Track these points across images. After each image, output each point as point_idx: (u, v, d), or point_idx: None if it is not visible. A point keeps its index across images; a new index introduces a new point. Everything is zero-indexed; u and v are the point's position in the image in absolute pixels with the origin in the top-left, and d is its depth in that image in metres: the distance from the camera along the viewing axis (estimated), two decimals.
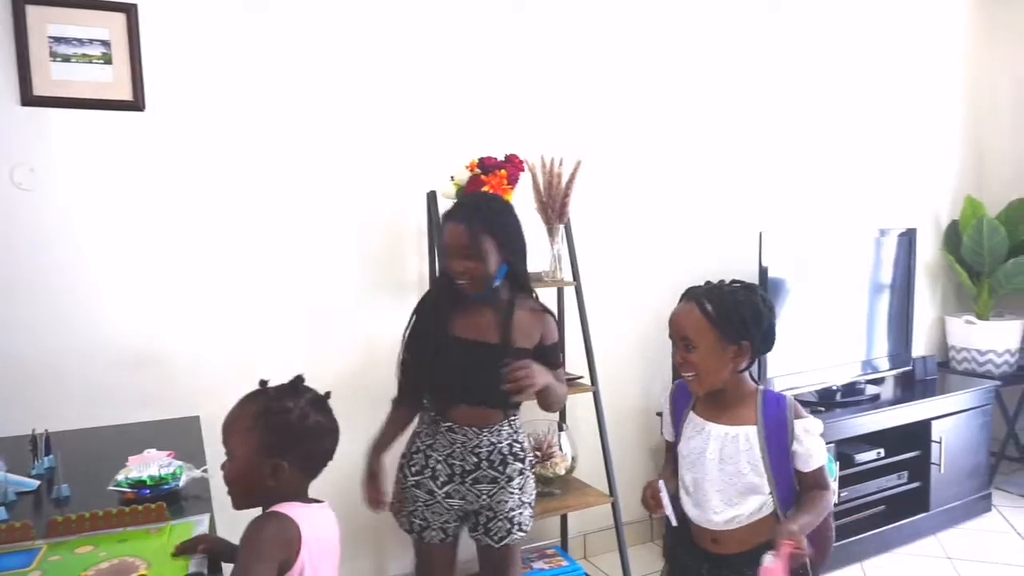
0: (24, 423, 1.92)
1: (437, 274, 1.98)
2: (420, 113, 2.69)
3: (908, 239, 3.37)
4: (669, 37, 3.13)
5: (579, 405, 2.91)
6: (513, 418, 1.93)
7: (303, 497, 1.24)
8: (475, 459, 1.87)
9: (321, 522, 1.22)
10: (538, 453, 2.58)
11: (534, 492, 2.04)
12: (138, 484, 1.59)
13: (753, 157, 3.37)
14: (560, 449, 2.61)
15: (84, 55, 2.20)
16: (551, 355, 1.92)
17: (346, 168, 2.59)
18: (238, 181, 2.43)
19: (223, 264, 2.43)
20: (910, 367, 3.43)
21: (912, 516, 3.16)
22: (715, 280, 1.60)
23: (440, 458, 1.87)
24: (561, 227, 2.68)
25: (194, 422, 2.19)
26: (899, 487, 3.16)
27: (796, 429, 1.51)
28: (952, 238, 3.94)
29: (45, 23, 2.15)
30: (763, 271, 2.91)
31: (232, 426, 1.24)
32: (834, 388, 3.17)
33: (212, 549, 1.30)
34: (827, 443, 2.80)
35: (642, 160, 3.11)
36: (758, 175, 3.39)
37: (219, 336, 2.42)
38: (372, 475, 1.94)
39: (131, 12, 2.24)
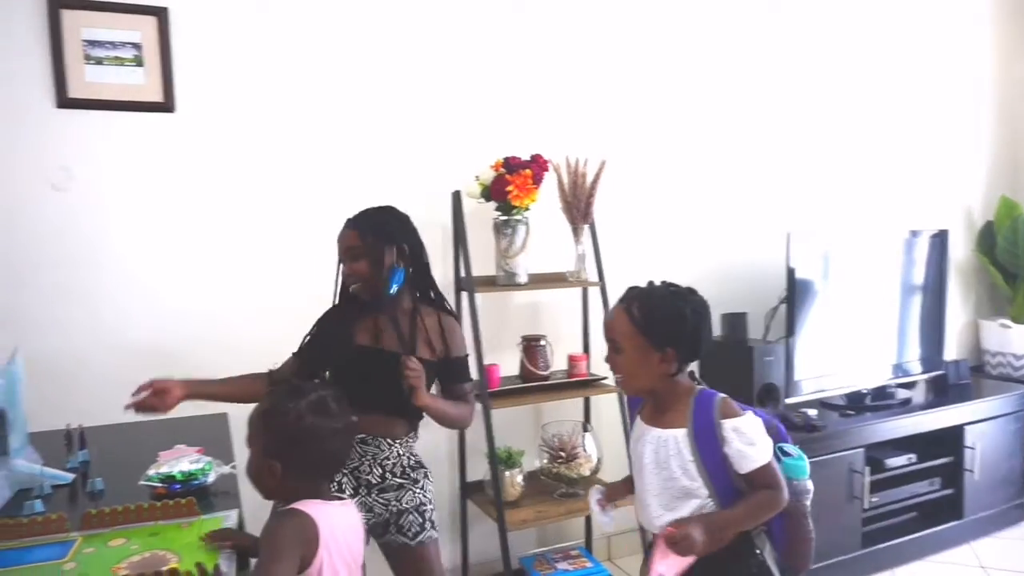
0: (59, 418, 1.96)
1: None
2: (445, 113, 2.70)
3: (940, 240, 3.31)
4: (695, 36, 3.11)
5: (604, 406, 2.90)
6: (413, 432, 1.92)
7: (323, 495, 1.24)
8: (380, 471, 1.85)
9: (341, 520, 1.23)
10: (562, 453, 2.57)
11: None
12: (169, 479, 1.62)
13: (780, 156, 3.33)
14: (584, 450, 2.59)
15: (116, 58, 2.24)
16: (457, 367, 1.92)
17: (371, 168, 2.60)
18: (266, 182, 2.46)
19: (250, 264, 2.45)
20: (943, 371, 3.36)
21: (945, 523, 3.10)
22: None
23: (346, 471, 1.85)
24: (586, 227, 2.67)
25: (222, 419, 2.22)
26: (931, 494, 3.10)
27: (724, 430, 1.43)
28: (986, 239, 3.86)
29: (79, 27, 2.19)
30: (791, 272, 2.87)
31: (249, 423, 1.26)
32: (864, 392, 3.12)
33: (239, 545, 1.31)
34: (856, 447, 2.82)
35: (667, 160, 3.09)
36: (785, 174, 3.35)
37: (246, 335, 2.44)
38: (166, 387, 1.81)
39: (162, 15, 2.28)
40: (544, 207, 2.62)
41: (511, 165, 2.47)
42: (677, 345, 1.44)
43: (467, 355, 1.95)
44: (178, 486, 1.62)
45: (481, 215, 2.64)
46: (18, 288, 2.20)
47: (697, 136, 3.15)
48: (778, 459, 1.49)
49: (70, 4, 2.18)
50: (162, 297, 2.36)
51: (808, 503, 1.53)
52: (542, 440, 2.64)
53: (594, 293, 2.81)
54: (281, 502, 1.26)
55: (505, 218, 2.55)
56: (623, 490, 1.69)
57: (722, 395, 1.49)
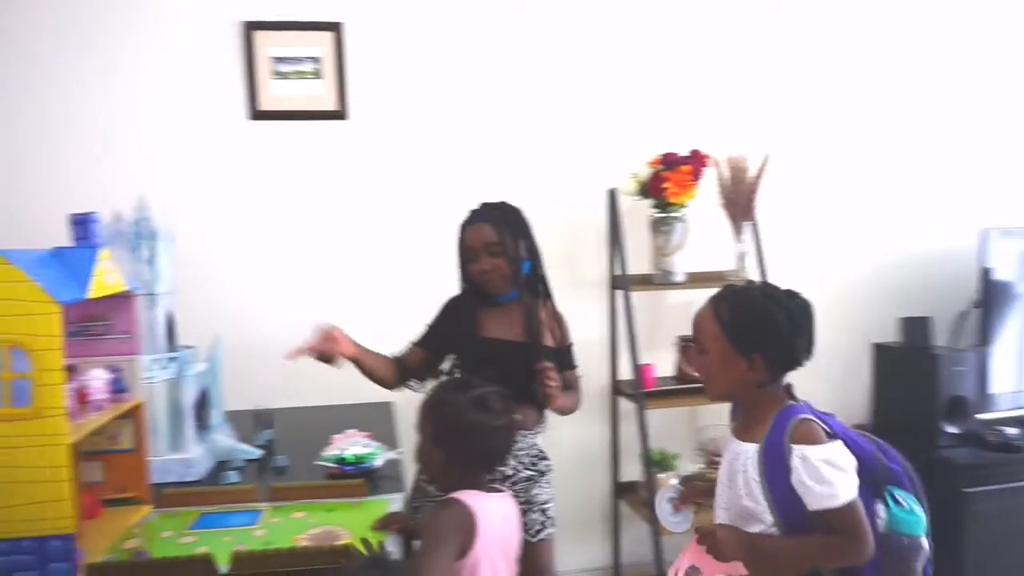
0: (248, 399, 2.17)
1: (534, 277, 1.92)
2: (601, 110, 2.69)
3: None
4: (866, 17, 2.88)
5: None
6: (541, 422, 1.90)
7: (482, 486, 1.27)
8: (514, 462, 1.81)
9: (497, 512, 1.25)
10: (716, 459, 2.48)
11: None
12: (342, 461, 1.74)
13: (971, 147, 3.00)
14: None
15: (298, 72, 2.44)
16: (570, 355, 1.95)
17: (528, 167, 2.65)
18: (429, 183, 2.58)
19: (417, 261, 2.58)
20: None
21: None
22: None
23: None
24: (747, 224, 2.56)
25: (388, 408, 2.36)
26: None
27: (792, 456, 1.24)
28: None
29: (267, 45, 2.42)
30: (985, 273, 2.58)
31: (419, 411, 1.31)
32: None
33: (405, 528, 1.39)
34: None
35: (836, 150, 2.88)
36: (977, 165, 3.01)
37: (412, 329, 2.58)
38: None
39: (338, 30, 2.46)
40: (702, 204, 2.54)
41: (669, 161, 2.41)
42: (766, 352, 1.29)
43: (572, 342, 1.96)
44: (350, 468, 1.74)
45: (637, 212, 2.60)
46: (219, 282, 2.46)
47: (871, 126, 2.91)
48: (887, 506, 1.27)
49: (261, 26, 2.41)
50: (338, 291, 2.55)
51: (920, 566, 1.28)
52: (698, 444, 2.56)
53: None
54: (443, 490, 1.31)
55: (662, 215, 2.50)
56: (705, 494, 1.52)
57: (805, 416, 1.29)
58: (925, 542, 1.26)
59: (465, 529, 1.18)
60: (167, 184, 2.40)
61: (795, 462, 1.22)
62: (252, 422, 2.06)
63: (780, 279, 2.64)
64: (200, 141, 2.44)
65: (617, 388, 2.65)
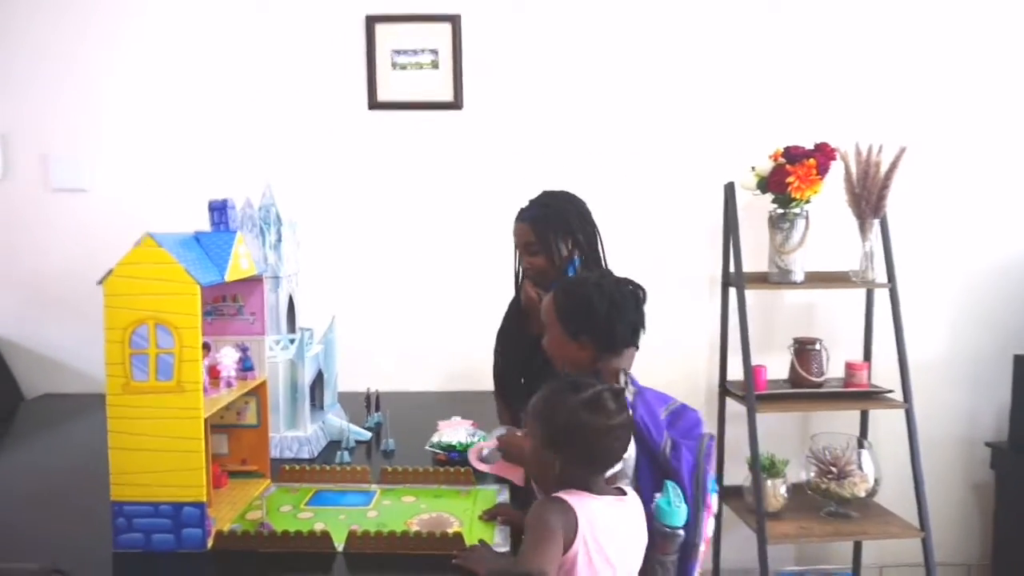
0: (359, 382, 2.24)
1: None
2: (719, 101, 2.59)
3: None
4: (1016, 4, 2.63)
5: (884, 421, 2.60)
6: None
7: (594, 488, 1.24)
8: None
9: (608, 516, 1.21)
10: (833, 469, 2.36)
11: None
12: (449, 448, 1.77)
13: None
14: (860, 468, 2.35)
15: (417, 63, 2.49)
16: None
17: (639, 161, 2.60)
18: (540, 174, 2.56)
19: None
20: None
21: None
22: None
23: None
24: (875, 222, 2.40)
25: (488, 397, 2.37)
26: None
27: None
28: None
29: (388, 36, 2.47)
30: None
31: (527, 415, 1.28)
32: None
33: (511, 521, 1.39)
34: None
35: (975, 144, 2.65)
36: None
37: None
38: None
39: (456, 21, 2.48)
40: (824, 199, 2.40)
41: (792, 155, 2.30)
42: (591, 334, 1.42)
43: None
44: (456, 455, 1.76)
45: (753, 208, 2.50)
46: (335, 266, 2.56)
47: (1018, 112, 2.66)
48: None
49: (382, 19, 2.47)
50: (453, 277, 2.60)
51: (674, 552, 1.32)
52: (811, 452, 2.44)
53: (880, 297, 2.52)
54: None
55: (782, 211, 2.38)
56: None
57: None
58: (682, 532, 1.31)
59: (566, 528, 1.16)
60: (290, 171, 2.51)
61: None
62: (363, 404, 2.12)
63: (910, 282, 2.52)
64: (322, 130, 2.54)
65: (726, 389, 2.56)
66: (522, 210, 1.90)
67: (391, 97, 2.50)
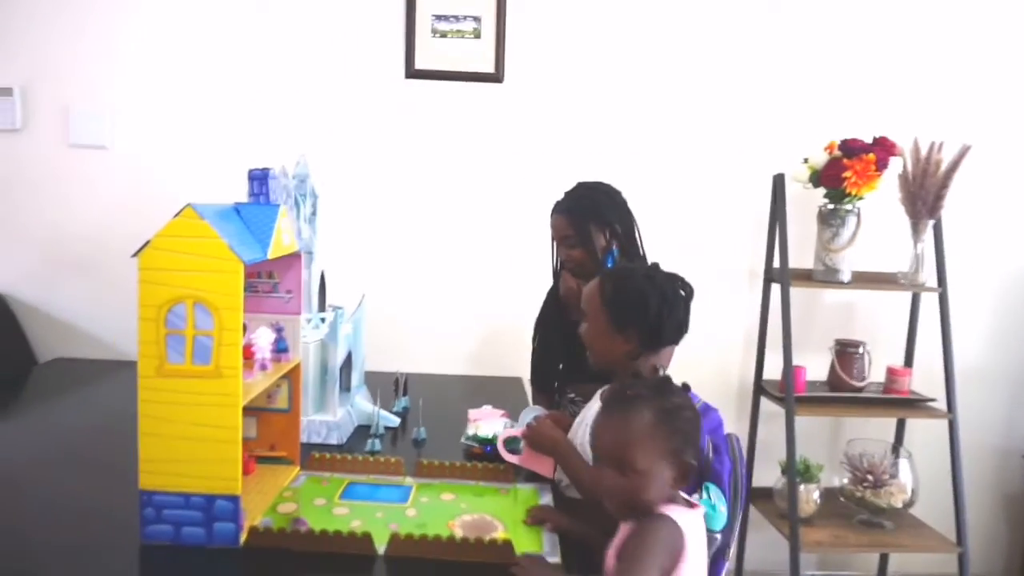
0: (382, 362, 2.16)
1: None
2: (771, 89, 2.48)
3: None
4: None
5: (921, 430, 2.52)
6: None
7: (679, 499, 1.15)
8: None
9: (698, 529, 1.13)
10: (870, 477, 2.28)
11: None
12: (485, 441, 1.68)
13: None
14: (897, 477, 2.27)
15: (458, 31, 2.36)
16: None
17: (685, 147, 2.49)
18: (581, 155, 2.46)
19: None
20: None
21: None
22: None
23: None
24: (929, 223, 2.30)
25: (518, 383, 2.30)
26: None
27: None
28: None
29: (432, 2, 2.34)
30: None
31: (630, 434, 1.09)
32: None
33: (559, 527, 1.30)
34: None
35: None
36: None
37: None
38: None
39: None
40: (873, 196, 2.29)
41: (850, 148, 2.18)
42: (638, 327, 1.38)
43: None
44: (491, 448, 1.68)
45: (797, 201, 2.39)
46: (364, 241, 2.45)
47: None
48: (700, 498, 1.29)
49: None
50: (488, 256, 2.50)
51: (709, 554, 1.24)
52: (846, 457, 2.36)
53: (928, 301, 2.43)
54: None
55: (833, 207, 2.28)
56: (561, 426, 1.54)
57: None
58: (719, 536, 1.32)
59: (674, 551, 1.06)
60: (321, 139, 2.40)
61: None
62: (392, 388, 2.04)
63: (959, 286, 2.42)
64: (356, 97, 2.43)
65: (761, 388, 2.47)
66: (558, 202, 1.88)
67: (430, 65, 2.38)
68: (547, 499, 1.46)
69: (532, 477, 1.56)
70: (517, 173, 2.46)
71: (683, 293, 1.42)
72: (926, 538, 2.27)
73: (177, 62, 2.41)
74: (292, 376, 1.49)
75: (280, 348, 1.46)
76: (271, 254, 1.24)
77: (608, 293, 1.42)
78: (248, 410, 1.47)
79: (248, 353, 1.37)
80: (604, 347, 1.43)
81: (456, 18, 2.36)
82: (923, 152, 2.26)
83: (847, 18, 2.46)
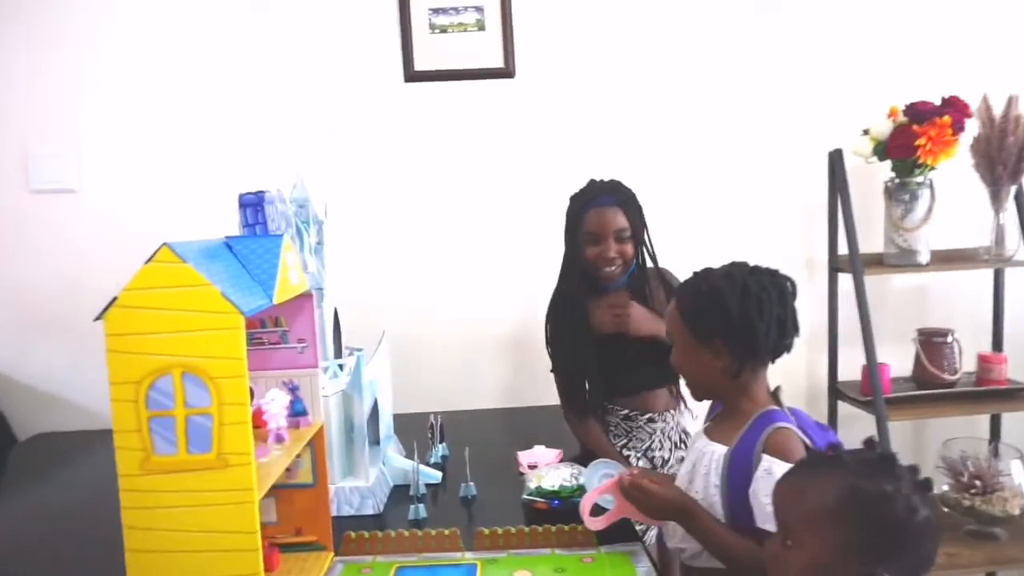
0: (406, 403, 1.90)
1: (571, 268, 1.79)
2: (809, 61, 2.21)
3: None
4: None
5: (1018, 422, 2.23)
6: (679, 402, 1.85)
7: None
8: (669, 443, 1.79)
9: None
10: (977, 482, 2.00)
11: None
12: (552, 495, 1.41)
13: None
14: (1012, 479, 1.99)
15: (460, 24, 2.10)
16: None
17: (725, 128, 2.22)
18: (606, 151, 2.19)
19: None
20: None
21: None
22: None
23: (638, 456, 1.77)
24: (1012, 190, 2.03)
25: (553, 411, 2.01)
26: None
27: (759, 465, 1.09)
28: None
29: None
30: None
31: (805, 507, 0.88)
32: None
33: None
34: None
35: None
36: None
37: None
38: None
39: None
40: (953, 165, 2.02)
41: (919, 112, 1.92)
42: (724, 336, 1.16)
43: None
44: (559, 502, 1.40)
45: (852, 180, 2.12)
46: (371, 267, 2.17)
47: None
48: None
49: None
50: (509, 272, 2.22)
51: None
52: (943, 460, 2.07)
53: (1015, 276, 2.16)
54: None
55: (902, 181, 2.01)
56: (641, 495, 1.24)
57: (785, 425, 1.13)
58: None
59: None
60: (314, 158, 2.12)
61: (759, 472, 1.09)
62: (427, 435, 1.76)
63: None
64: (350, 109, 2.15)
65: (837, 391, 2.19)
66: (604, 196, 1.75)
67: (430, 66, 2.11)
68: (644, 564, 1.18)
69: (615, 535, 1.28)
70: (540, 178, 2.18)
71: (779, 289, 1.18)
72: None
73: (148, 83, 2.13)
74: (315, 442, 1.21)
75: (296, 411, 1.18)
76: (277, 297, 0.97)
77: (684, 302, 1.22)
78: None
79: (258, 422, 1.09)
80: (694, 369, 1.24)
81: (456, 10, 2.09)
82: (994, 110, 2.00)
83: None
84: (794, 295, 1.20)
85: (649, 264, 1.79)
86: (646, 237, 1.77)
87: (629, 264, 1.75)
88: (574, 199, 1.79)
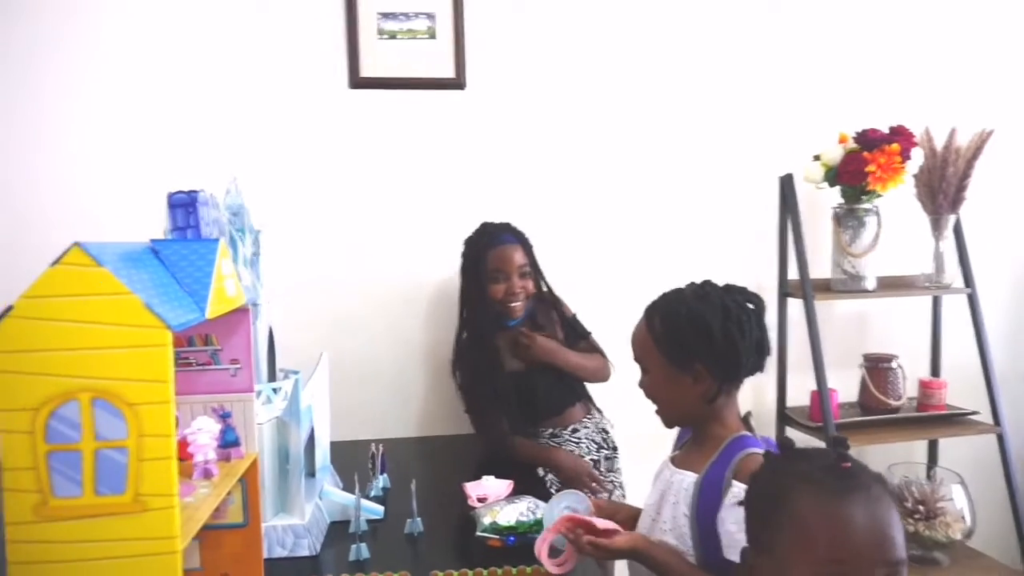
0: (346, 431, 1.81)
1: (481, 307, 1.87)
2: (763, 86, 2.21)
3: None
4: None
5: (952, 447, 2.27)
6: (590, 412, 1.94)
7: None
8: (595, 444, 1.88)
9: None
10: (921, 507, 2.00)
11: None
12: (509, 531, 1.30)
13: None
14: (954, 504, 2.00)
15: (410, 30, 2.01)
16: (572, 328, 1.93)
17: (676, 150, 2.19)
18: (558, 168, 2.13)
19: (542, 253, 2.13)
20: None
21: None
22: None
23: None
24: (952, 219, 2.07)
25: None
26: None
27: (729, 492, 1.05)
28: None
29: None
30: None
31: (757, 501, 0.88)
32: None
33: None
34: None
35: None
36: None
37: None
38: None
39: None
40: (898, 193, 2.05)
41: (869, 139, 1.94)
42: (706, 359, 1.11)
43: (574, 313, 1.96)
44: (514, 539, 1.30)
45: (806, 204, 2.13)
46: (313, 288, 2.03)
47: None
48: None
49: None
50: (449, 296, 2.10)
51: None
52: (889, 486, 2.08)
53: (953, 303, 2.20)
54: None
55: (850, 207, 2.02)
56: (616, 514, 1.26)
57: (758, 450, 1.07)
58: None
59: None
60: (252, 166, 1.97)
61: (729, 499, 1.05)
62: (367, 466, 1.62)
63: (987, 285, 2.20)
64: (291, 114, 2.00)
65: (786, 417, 2.17)
66: (502, 236, 1.85)
67: (378, 72, 2.00)
68: None
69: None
70: (487, 194, 2.09)
71: (751, 306, 1.14)
72: (991, 570, 2.00)
73: (69, 71, 1.93)
74: (248, 478, 1.07)
75: (227, 441, 1.04)
76: (211, 311, 0.84)
77: (658, 328, 1.15)
78: None
79: (183, 455, 0.95)
80: (672, 397, 1.17)
81: (406, 15, 2.00)
82: (936, 142, 2.05)
83: (841, 5, 2.23)
84: (764, 314, 1.15)
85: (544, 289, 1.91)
86: (539, 272, 1.89)
87: (530, 298, 1.86)
88: (471, 242, 1.87)
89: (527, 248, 1.87)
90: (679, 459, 1.19)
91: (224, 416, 1.04)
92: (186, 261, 0.84)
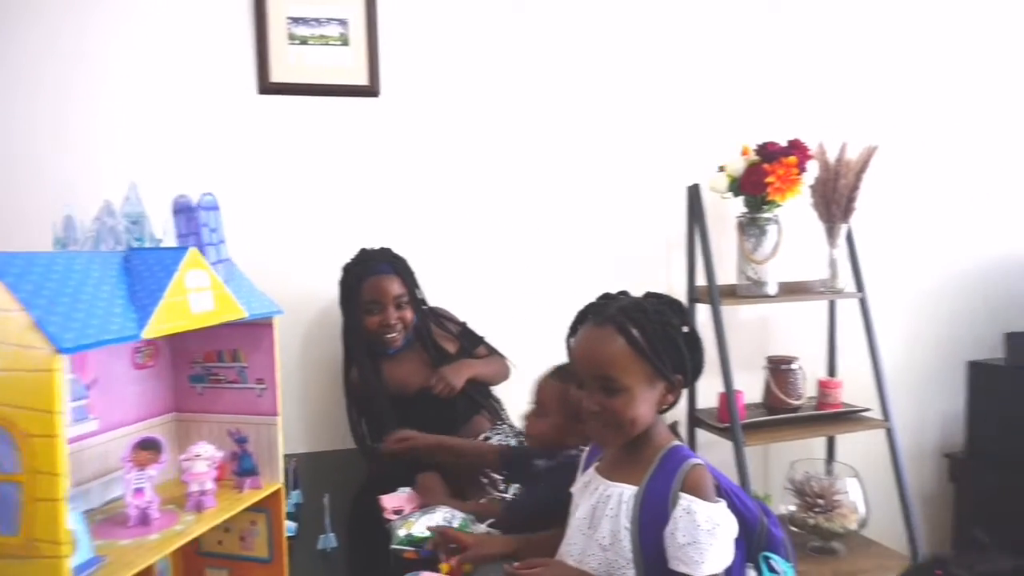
0: None
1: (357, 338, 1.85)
2: (676, 97, 2.30)
3: None
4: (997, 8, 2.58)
5: (847, 442, 2.41)
6: (498, 418, 1.88)
7: None
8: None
9: None
10: (820, 501, 2.12)
11: None
12: (421, 542, 1.29)
13: None
14: (848, 496, 2.13)
15: (322, 36, 1.97)
16: (467, 338, 1.93)
17: (588, 160, 2.24)
18: (475, 177, 2.15)
19: (456, 263, 2.14)
20: None
21: None
22: None
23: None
24: (844, 228, 2.21)
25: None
26: None
27: (677, 505, 1.03)
28: None
29: (285, 2, 1.94)
30: None
31: None
32: None
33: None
34: None
35: (936, 149, 2.56)
36: None
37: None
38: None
39: None
40: (796, 204, 2.17)
41: (769, 152, 2.04)
42: (686, 371, 1.10)
43: (464, 322, 1.96)
44: (429, 552, 1.30)
45: (712, 214, 2.22)
46: None
47: (982, 118, 2.59)
48: (759, 572, 1.16)
49: None
50: None
51: None
52: (790, 482, 2.19)
53: (846, 307, 2.34)
54: None
55: (753, 216, 2.12)
56: (533, 549, 1.23)
57: (700, 462, 1.08)
58: None
59: None
60: (152, 174, 1.88)
61: (678, 512, 1.03)
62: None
63: (877, 290, 2.35)
64: (196, 120, 1.93)
65: (696, 419, 2.26)
66: (380, 264, 1.82)
67: (288, 78, 1.96)
68: None
69: None
70: (399, 204, 2.08)
71: (683, 310, 1.15)
72: (883, 557, 2.13)
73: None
74: (272, 508, 1.02)
75: (244, 469, 0.99)
76: (155, 330, 0.79)
77: (640, 340, 1.07)
78: (215, 556, 1.01)
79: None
80: (644, 412, 1.08)
81: (317, 21, 1.96)
82: (828, 155, 2.18)
83: (745, 26, 2.34)
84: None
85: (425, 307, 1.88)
86: (419, 298, 1.86)
87: (408, 328, 1.82)
88: (348, 269, 1.83)
89: (405, 276, 1.83)
90: (607, 470, 1.15)
91: (240, 441, 0.98)
92: (149, 272, 0.79)
